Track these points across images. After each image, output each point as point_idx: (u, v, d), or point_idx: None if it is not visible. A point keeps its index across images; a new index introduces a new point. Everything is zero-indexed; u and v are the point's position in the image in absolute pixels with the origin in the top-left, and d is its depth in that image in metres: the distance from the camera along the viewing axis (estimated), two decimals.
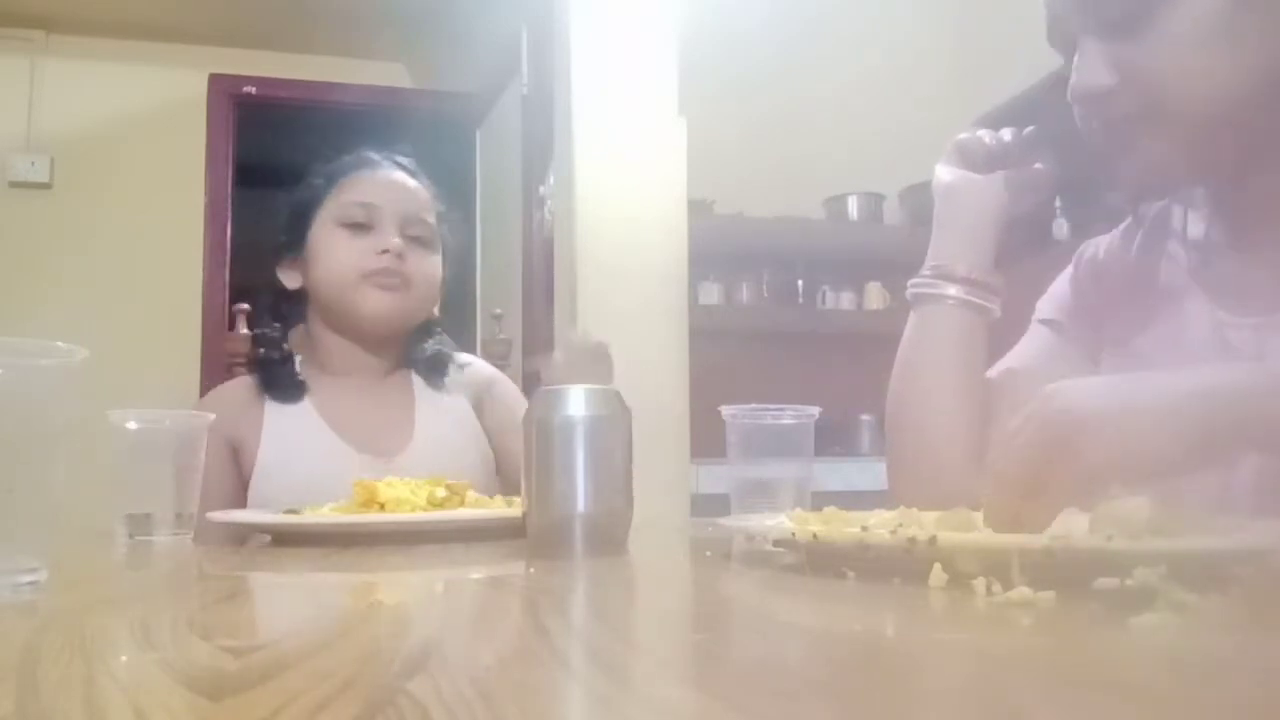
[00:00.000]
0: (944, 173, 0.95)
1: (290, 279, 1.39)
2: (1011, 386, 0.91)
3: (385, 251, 1.32)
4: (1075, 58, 0.78)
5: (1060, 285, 0.96)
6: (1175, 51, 0.74)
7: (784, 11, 3.21)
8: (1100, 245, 0.95)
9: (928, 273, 0.93)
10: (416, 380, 1.41)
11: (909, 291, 0.94)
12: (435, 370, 1.42)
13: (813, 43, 3.24)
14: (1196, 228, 0.86)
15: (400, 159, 1.43)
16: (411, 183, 1.40)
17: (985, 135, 0.94)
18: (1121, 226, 0.94)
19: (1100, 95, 0.76)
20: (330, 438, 1.32)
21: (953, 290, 0.91)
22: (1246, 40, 0.73)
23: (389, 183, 1.38)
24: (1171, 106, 0.74)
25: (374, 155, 1.42)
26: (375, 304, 1.33)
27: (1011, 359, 0.94)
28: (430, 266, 1.38)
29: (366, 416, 1.35)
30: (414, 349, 1.42)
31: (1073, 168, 0.91)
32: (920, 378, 0.91)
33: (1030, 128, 0.93)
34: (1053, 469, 0.58)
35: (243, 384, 1.38)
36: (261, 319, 1.44)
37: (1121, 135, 0.77)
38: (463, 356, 1.48)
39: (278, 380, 1.35)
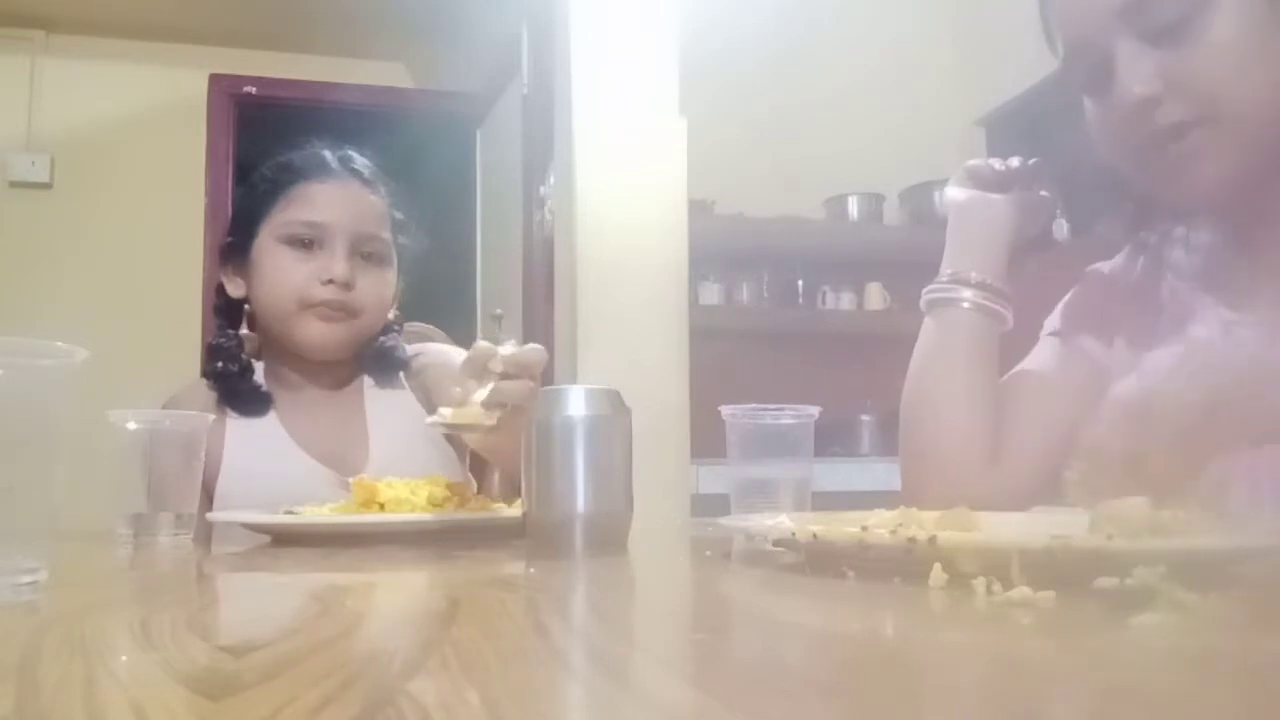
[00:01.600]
0: (956, 192, 0.98)
1: (234, 287, 1.31)
2: (1024, 387, 0.94)
3: (330, 281, 1.23)
4: (1117, 67, 0.78)
5: (1068, 301, 0.99)
6: (1222, 55, 0.75)
7: (784, 12, 3.21)
8: (1106, 265, 0.97)
9: (943, 280, 0.96)
10: (367, 385, 1.35)
11: (924, 298, 0.97)
12: (384, 368, 1.34)
13: (813, 43, 3.23)
14: (1199, 233, 0.88)
15: (357, 164, 1.32)
16: (367, 195, 1.30)
17: (995, 162, 0.98)
18: (1125, 250, 0.96)
19: (1148, 103, 0.77)
20: (296, 453, 1.27)
21: (968, 294, 0.94)
22: None
23: (341, 197, 1.28)
24: (1224, 110, 0.76)
25: (329, 158, 1.30)
26: (314, 335, 1.25)
27: (1022, 365, 0.97)
28: (381, 286, 1.30)
29: (326, 432, 1.30)
30: (364, 349, 1.34)
31: (1075, 195, 0.95)
32: (936, 381, 0.94)
33: (1035, 158, 0.96)
34: (1213, 419, 0.60)
35: (204, 387, 1.32)
36: (217, 326, 1.34)
37: (1171, 143, 0.78)
38: (410, 350, 1.39)
39: (238, 394, 1.28)
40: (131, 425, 0.96)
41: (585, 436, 0.77)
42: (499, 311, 2.55)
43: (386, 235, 1.30)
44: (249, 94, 4.08)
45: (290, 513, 1.00)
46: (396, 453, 1.26)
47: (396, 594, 0.67)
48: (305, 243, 1.25)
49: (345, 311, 1.25)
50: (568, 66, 2.70)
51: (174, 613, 0.52)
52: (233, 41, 4.06)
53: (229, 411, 1.29)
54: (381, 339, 1.35)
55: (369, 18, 3.90)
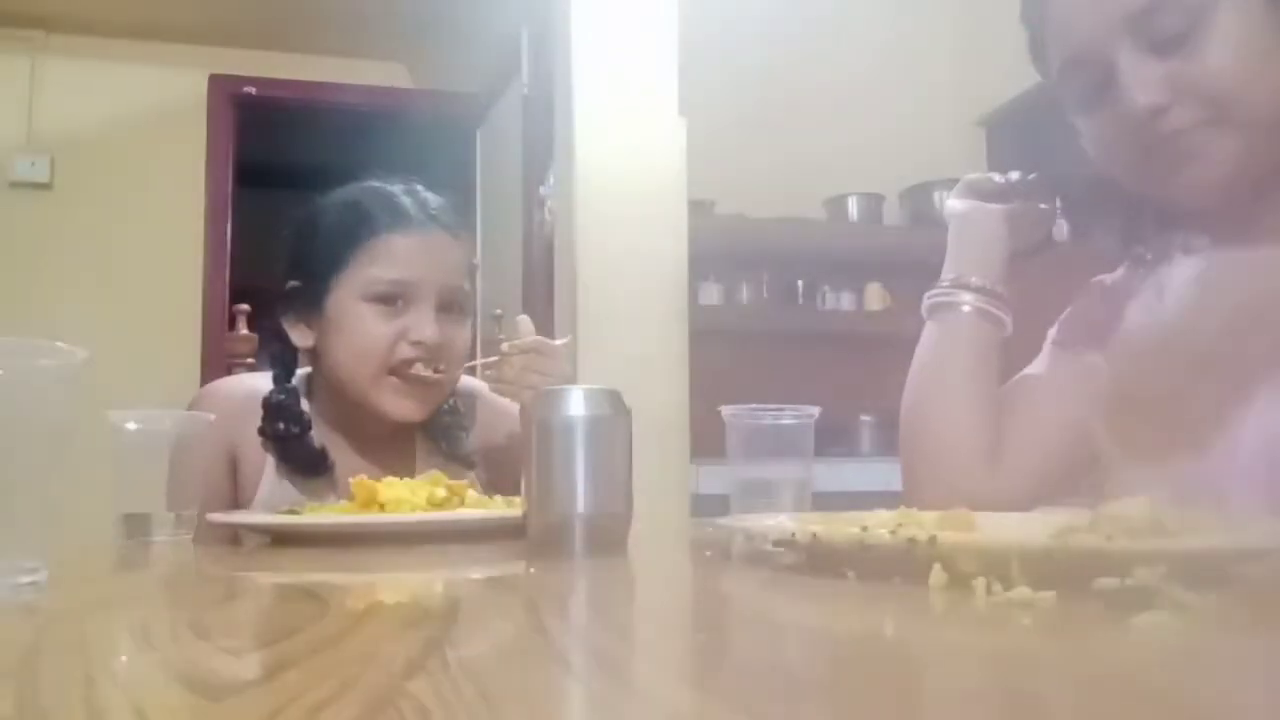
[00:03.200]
0: (957, 204, 1.00)
1: (301, 336, 1.22)
2: (1026, 391, 0.95)
3: (419, 343, 1.16)
4: (1120, 78, 0.79)
5: (1070, 311, 1.00)
6: (1228, 60, 0.76)
7: (784, 12, 3.21)
8: (1108, 278, 0.99)
9: (944, 284, 0.97)
10: (420, 443, 1.28)
11: (925, 303, 0.98)
12: (452, 442, 1.29)
13: (813, 43, 3.23)
14: (1199, 239, 0.88)
15: (434, 207, 1.21)
16: (452, 246, 1.21)
17: (995, 176, 0.99)
18: (1126, 264, 0.97)
19: (1154, 112, 0.78)
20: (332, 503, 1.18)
21: (968, 298, 0.94)
22: None
23: (427, 251, 1.18)
24: (1231, 114, 0.77)
25: (408, 206, 1.20)
26: (396, 408, 1.17)
27: (1025, 371, 0.98)
28: (462, 339, 1.22)
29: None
30: (431, 432, 1.28)
31: (1077, 196, 0.95)
32: (938, 384, 0.95)
33: (1034, 173, 0.97)
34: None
35: (242, 387, 1.25)
36: (275, 378, 1.23)
37: (1175, 147, 0.79)
38: (469, 387, 1.32)
39: (297, 456, 1.20)
40: (131, 425, 0.96)
41: (585, 436, 0.77)
42: (499, 312, 2.55)
43: (468, 286, 1.24)
44: (249, 94, 4.07)
45: (291, 513, 1.00)
46: None
47: (396, 594, 0.67)
48: (390, 298, 1.17)
49: (434, 370, 1.17)
50: (568, 66, 2.70)
51: (174, 613, 0.52)
52: (233, 41, 4.06)
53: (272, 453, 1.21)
54: (451, 425, 1.29)
55: (369, 18, 3.90)
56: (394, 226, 1.18)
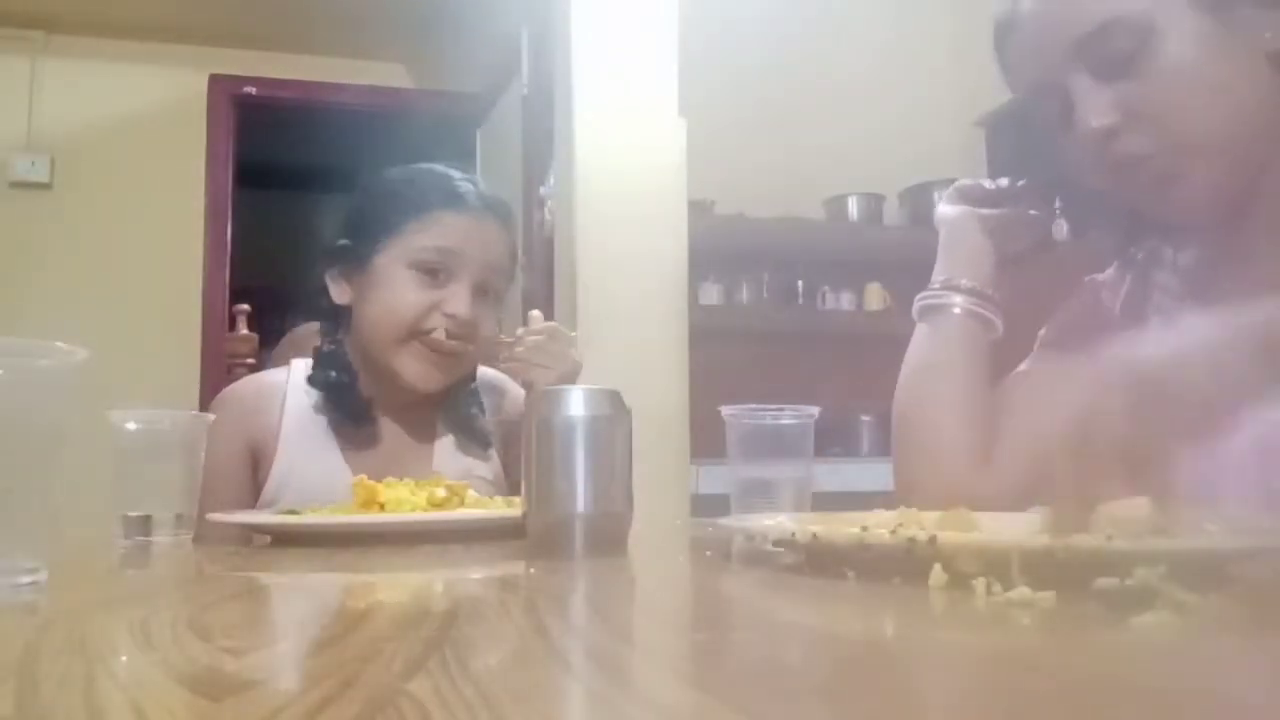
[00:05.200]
0: (948, 210, 1.00)
1: (339, 292, 1.26)
2: (1017, 391, 0.95)
3: (452, 316, 1.20)
4: (1075, 100, 0.80)
5: (1064, 313, 1.00)
6: (1174, 82, 0.77)
7: (784, 12, 3.21)
8: (1099, 276, 1.00)
9: (935, 287, 0.97)
10: (441, 435, 1.30)
11: (916, 305, 0.99)
12: (471, 437, 1.31)
13: (813, 43, 3.23)
14: (1185, 253, 0.89)
15: (490, 197, 1.27)
16: (503, 235, 1.27)
17: (985, 182, 1.00)
18: (1117, 264, 0.98)
19: (1106, 134, 0.79)
20: (345, 475, 1.19)
21: (959, 300, 0.95)
22: (1237, 67, 0.77)
23: (477, 231, 1.24)
24: (1182, 136, 0.77)
25: (465, 188, 1.25)
26: (415, 372, 1.21)
27: (1018, 370, 0.98)
28: (491, 323, 1.26)
29: (386, 460, 1.24)
30: (450, 408, 1.31)
31: (1074, 197, 0.96)
32: (930, 385, 0.95)
33: (1023, 180, 0.98)
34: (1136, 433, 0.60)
35: (254, 383, 1.30)
36: (323, 330, 1.28)
37: (1137, 171, 0.79)
38: (494, 380, 1.37)
39: (345, 404, 1.24)
40: (131, 425, 0.96)
41: (585, 437, 0.77)
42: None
43: (508, 274, 1.28)
44: (249, 94, 4.07)
45: (291, 513, 1.00)
46: None
47: (396, 594, 0.67)
48: (432, 270, 1.21)
49: (460, 342, 1.21)
50: (568, 66, 2.70)
51: (174, 613, 0.52)
52: (233, 41, 4.06)
53: (285, 414, 1.24)
54: (466, 396, 1.32)
55: (369, 18, 3.90)
56: (448, 204, 1.24)
